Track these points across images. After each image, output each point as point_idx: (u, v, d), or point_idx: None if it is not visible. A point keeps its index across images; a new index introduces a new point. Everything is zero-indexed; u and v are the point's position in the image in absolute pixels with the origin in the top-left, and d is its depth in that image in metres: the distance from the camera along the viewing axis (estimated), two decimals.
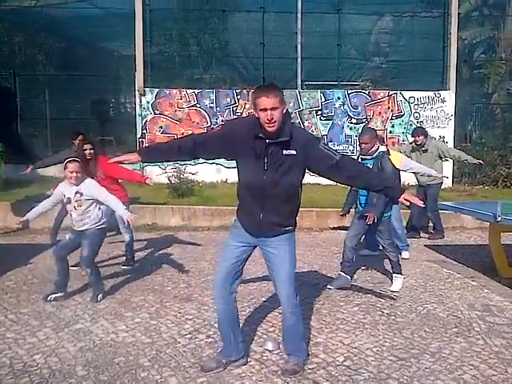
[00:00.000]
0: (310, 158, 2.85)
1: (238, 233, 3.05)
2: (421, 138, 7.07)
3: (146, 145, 2.51)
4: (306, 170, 2.93)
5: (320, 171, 2.94)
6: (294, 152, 2.81)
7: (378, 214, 4.62)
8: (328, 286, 4.85)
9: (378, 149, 4.74)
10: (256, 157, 2.82)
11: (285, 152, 2.80)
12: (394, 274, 4.93)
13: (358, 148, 4.71)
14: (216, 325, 3.40)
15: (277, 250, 3.00)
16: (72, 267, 4.77)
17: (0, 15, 11.52)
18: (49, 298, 4.41)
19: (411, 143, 7.42)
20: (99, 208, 4.51)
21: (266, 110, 2.71)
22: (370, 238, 5.74)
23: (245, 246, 3.06)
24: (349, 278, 4.90)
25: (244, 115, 10.77)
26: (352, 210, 5.30)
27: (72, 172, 4.26)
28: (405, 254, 6.13)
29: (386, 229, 4.87)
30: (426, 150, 7.09)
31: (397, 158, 5.63)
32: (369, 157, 4.70)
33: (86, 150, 5.28)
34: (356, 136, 10.91)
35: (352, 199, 5.25)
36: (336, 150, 2.96)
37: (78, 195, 4.36)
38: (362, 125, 10.88)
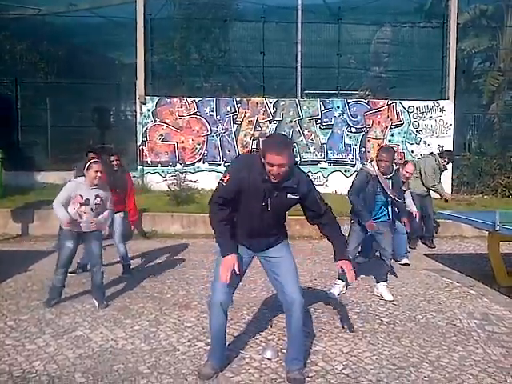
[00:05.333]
0: (306, 201, 3.06)
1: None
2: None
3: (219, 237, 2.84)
4: None
5: (303, 208, 3.14)
6: (297, 196, 2.99)
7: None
8: (330, 295, 4.84)
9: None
10: (261, 196, 2.92)
11: (289, 196, 2.96)
12: (382, 283, 4.93)
13: (376, 167, 4.67)
14: None
15: (277, 252, 3.16)
16: (70, 273, 4.79)
17: (2, 24, 11.58)
18: (52, 304, 4.43)
19: (440, 159, 7.40)
20: None
21: (273, 165, 2.77)
22: (364, 245, 5.80)
23: (245, 258, 3.16)
24: (344, 283, 4.92)
25: (244, 124, 10.83)
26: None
27: (97, 172, 4.29)
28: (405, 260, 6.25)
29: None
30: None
31: None
32: (389, 175, 4.73)
33: (112, 161, 5.50)
34: (355, 145, 11.00)
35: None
36: (322, 199, 3.12)
37: (98, 199, 4.40)
38: (361, 134, 10.97)
